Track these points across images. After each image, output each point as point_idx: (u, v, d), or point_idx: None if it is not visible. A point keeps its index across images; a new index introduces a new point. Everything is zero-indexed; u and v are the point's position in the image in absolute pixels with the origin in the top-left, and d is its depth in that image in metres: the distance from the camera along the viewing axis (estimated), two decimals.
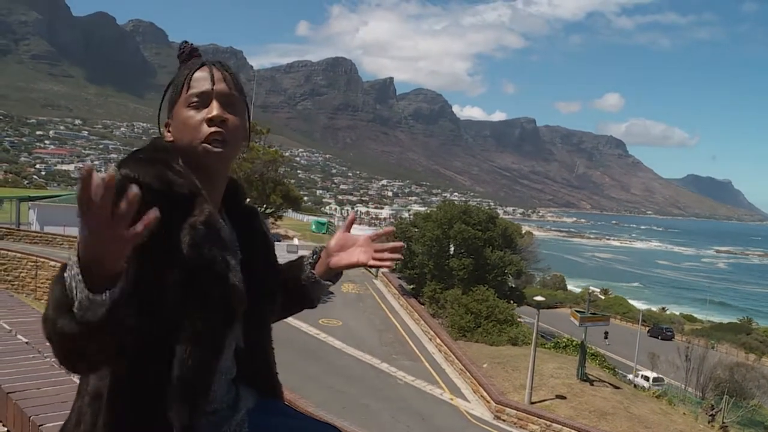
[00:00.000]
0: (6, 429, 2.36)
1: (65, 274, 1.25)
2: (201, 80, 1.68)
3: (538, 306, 29.72)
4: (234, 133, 1.68)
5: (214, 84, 1.67)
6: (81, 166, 1.17)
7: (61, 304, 1.25)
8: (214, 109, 1.65)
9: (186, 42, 1.82)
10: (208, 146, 1.64)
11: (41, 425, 2.08)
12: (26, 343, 3.01)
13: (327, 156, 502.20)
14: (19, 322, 3.45)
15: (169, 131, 1.71)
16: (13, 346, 3.08)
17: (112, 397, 1.48)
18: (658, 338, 58.31)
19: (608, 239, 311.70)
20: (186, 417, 1.49)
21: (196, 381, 1.51)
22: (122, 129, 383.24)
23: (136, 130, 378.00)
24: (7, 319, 3.51)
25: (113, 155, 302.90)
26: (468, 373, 28.09)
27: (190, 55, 1.78)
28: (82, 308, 1.24)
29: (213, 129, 1.64)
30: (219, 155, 1.65)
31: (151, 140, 1.73)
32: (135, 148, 1.69)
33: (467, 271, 39.42)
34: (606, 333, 45.98)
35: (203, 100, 1.66)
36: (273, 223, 52.60)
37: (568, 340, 37.68)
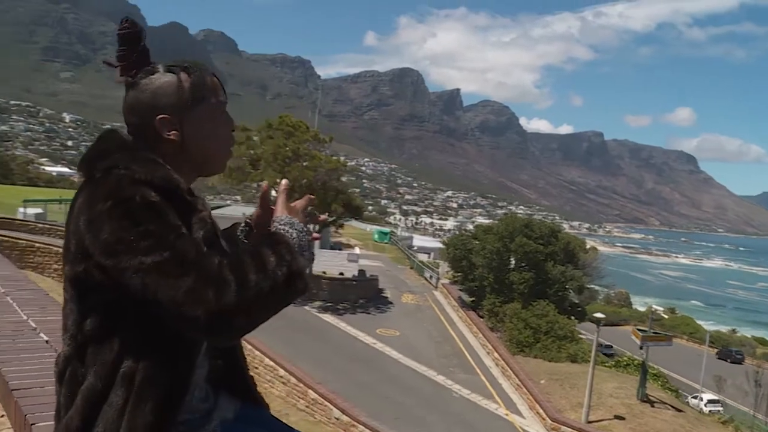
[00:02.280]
0: (10, 425, 2.44)
1: (292, 232, 1.55)
2: (221, 91, 1.75)
3: (598, 323, 29.19)
4: None
5: (227, 98, 1.75)
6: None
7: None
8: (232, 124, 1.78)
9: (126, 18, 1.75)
10: (229, 157, 1.77)
11: (33, 424, 2.13)
12: (46, 342, 3.08)
13: (392, 166, 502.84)
14: (47, 321, 3.53)
15: (175, 129, 1.66)
16: (33, 344, 3.18)
17: (147, 383, 1.47)
18: (727, 361, 56.48)
19: (676, 257, 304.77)
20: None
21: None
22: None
23: None
24: (35, 318, 3.61)
25: None
26: (525, 389, 27.76)
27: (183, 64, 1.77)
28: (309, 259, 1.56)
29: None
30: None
31: (107, 136, 1.69)
32: (99, 145, 1.65)
33: (527, 285, 39.02)
34: (641, 345, 44.85)
35: (225, 110, 1.75)
36: (335, 232, 52.94)
37: (629, 359, 36.94)
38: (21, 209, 38.46)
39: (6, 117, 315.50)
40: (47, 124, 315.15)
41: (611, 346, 48.70)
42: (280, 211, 1.62)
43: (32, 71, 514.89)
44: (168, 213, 1.45)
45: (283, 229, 1.56)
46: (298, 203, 1.66)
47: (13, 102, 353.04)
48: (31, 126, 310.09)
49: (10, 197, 45.28)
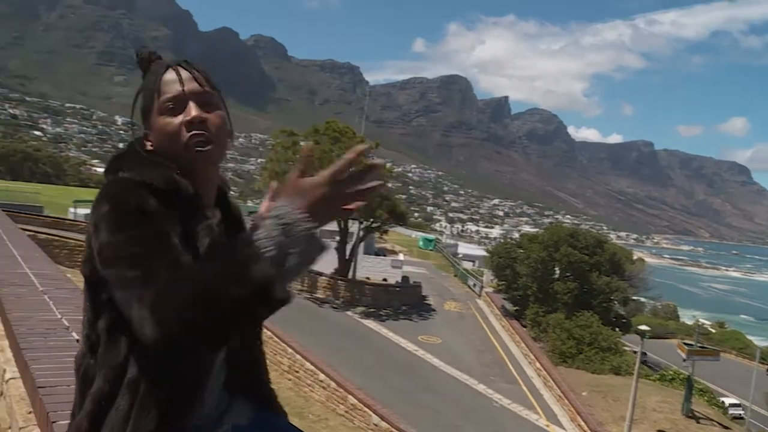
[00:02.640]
0: (36, 422, 2.53)
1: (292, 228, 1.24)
2: (171, 83, 1.61)
3: (642, 336, 28.81)
4: (217, 131, 1.62)
5: (184, 85, 1.61)
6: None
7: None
8: (192, 111, 1.59)
9: (143, 47, 1.75)
10: (193, 151, 1.58)
11: (54, 422, 2.21)
12: (77, 340, 3.17)
13: (439, 173, 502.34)
14: (80, 319, 3.63)
15: (148, 141, 1.64)
16: (64, 342, 3.26)
17: (152, 388, 1.46)
18: None
19: (727, 269, 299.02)
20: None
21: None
22: (240, 140, 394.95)
23: (252, 141, 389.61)
24: (69, 316, 3.72)
25: (230, 165, 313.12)
26: (566, 400, 27.49)
27: (149, 58, 1.72)
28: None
29: (194, 131, 1.58)
30: (207, 157, 1.60)
31: (131, 143, 1.68)
32: (118, 151, 1.67)
33: (572, 296, 38.67)
34: (684, 359, 44.05)
35: (178, 103, 1.60)
36: (379, 238, 53.10)
37: (674, 372, 36.34)
38: (72, 209, 39.35)
39: (61, 119, 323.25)
40: (100, 127, 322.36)
41: (645, 353, 47.96)
42: (283, 192, 1.32)
43: (88, 75, 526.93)
44: (161, 220, 1.43)
45: (263, 229, 1.26)
46: (320, 175, 1.30)
47: (68, 105, 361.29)
48: (85, 128, 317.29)
49: (62, 198, 46.40)
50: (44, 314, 3.77)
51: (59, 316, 3.74)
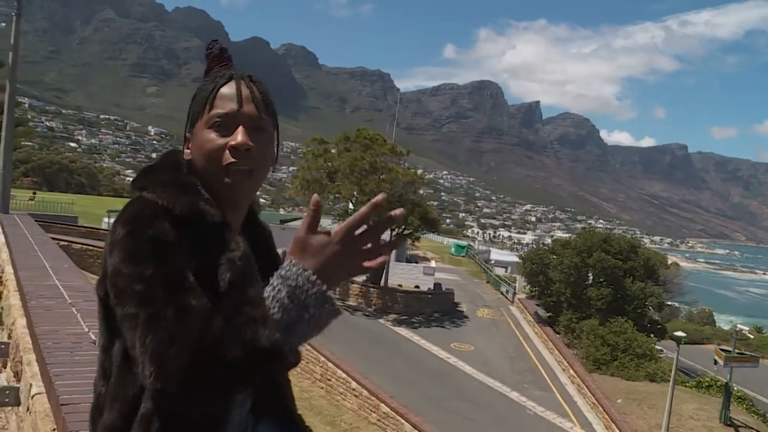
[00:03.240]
0: None
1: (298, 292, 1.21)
2: (227, 99, 1.50)
3: (679, 342, 28.36)
4: (261, 163, 1.52)
5: (241, 105, 1.50)
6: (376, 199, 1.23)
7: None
8: (239, 136, 1.47)
9: (215, 41, 1.65)
10: (230, 178, 1.48)
11: None
12: None
13: (471, 179, 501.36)
14: None
15: (188, 148, 1.56)
16: (90, 357, 3.25)
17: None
18: None
19: (764, 273, 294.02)
20: None
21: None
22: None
23: (284, 149, 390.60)
24: (96, 330, 3.71)
25: None
26: (601, 408, 27.16)
27: (219, 58, 1.62)
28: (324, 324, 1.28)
29: (235, 159, 1.47)
30: (242, 188, 1.51)
31: (167, 154, 1.62)
32: (149, 163, 1.59)
33: (605, 302, 38.25)
34: (715, 360, 43.31)
35: (227, 122, 1.49)
36: (411, 245, 52.99)
37: (711, 379, 35.74)
38: (105, 219, 39.78)
39: (96, 130, 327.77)
40: (133, 137, 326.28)
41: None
42: (290, 250, 1.27)
43: (121, 86, 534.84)
44: (177, 255, 1.33)
45: (269, 290, 1.25)
46: (334, 232, 1.24)
47: (102, 116, 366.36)
48: (119, 139, 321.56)
49: (96, 207, 46.90)
50: (71, 328, 3.79)
51: (86, 330, 3.76)
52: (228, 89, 1.51)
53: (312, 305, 1.22)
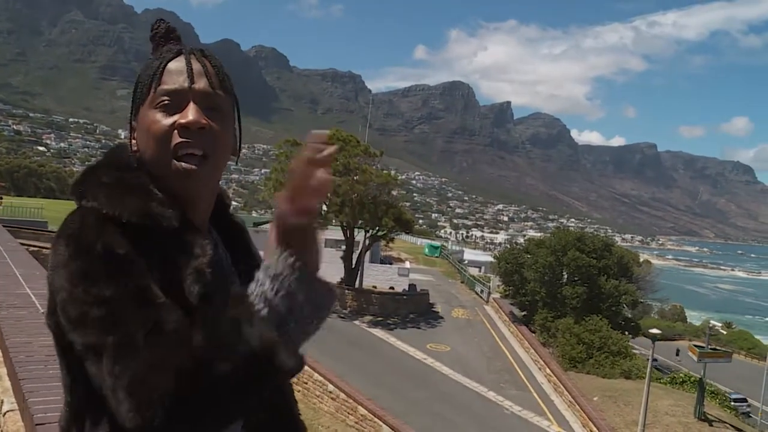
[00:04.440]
0: None
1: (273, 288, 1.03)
2: (175, 74, 1.29)
3: (654, 339, 28.54)
4: (216, 145, 1.28)
5: (193, 81, 1.28)
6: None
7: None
8: (190, 113, 1.25)
9: (161, 20, 1.44)
10: (181, 164, 1.25)
11: None
12: None
13: (443, 179, 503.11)
14: None
15: (134, 138, 1.32)
16: None
17: None
18: None
19: (733, 270, 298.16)
20: None
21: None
22: (244, 150, 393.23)
23: (256, 151, 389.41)
24: None
25: (234, 175, 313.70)
26: (577, 406, 27.22)
27: (166, 39, 1.40)
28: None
29: (185, 139, 1.25)
30: (196, 175, 1.26)
31: (112, 150, 1.37)
32: (91, 163, 1.33)
33: (580, 300, 38.38)
34: (678, 350, 43.87)
35: (176, 100, 1.27)
36: (385, 246, 52.87)
37: (685, 375, 36.04)
38: None
39: (65, 134, 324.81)
40: (104, 141, 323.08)
41: (656, 359, 47.75)
42: (270, 241, 1.07)
43: (90, 89, 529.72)
44: (135, 269, 1.11)
45: (254, 284, 1.06)
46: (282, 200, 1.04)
47: (72, 120, 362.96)
48: (89, 142, 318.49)
49: (66, 212, 46.13)
50: (45, 339, 3.57)
51: None
52: (176, 64, 1.30)
53: (299, 291, 1.04)
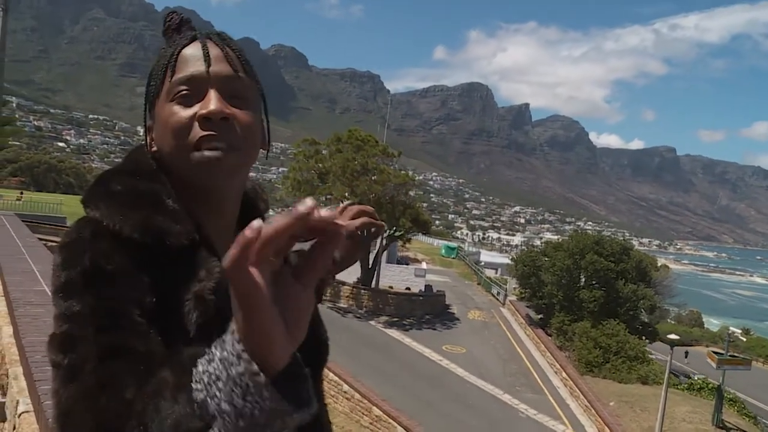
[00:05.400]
0: None
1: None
2: (191, 60, 1.15)
3: (672, 345, 28.27)
4: (243, 134, 1.13)
5: (209, 64, 1.14)
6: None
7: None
8: (212, 102, 1.10)
9: (173, 12, 1.30)
10: (204, 155, 1.10)
11: None
12: None
13: (460, 181, 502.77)
14: None
15: (152, 138, 1.20)
16: None
17: None
18: None
19: (751, 275, 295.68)
20: None
21: None
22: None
23: (274, 150, 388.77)
24: None
25: (251, 174, 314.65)
26: (593, 411, 27.02)
27: (179, 30, 1.25)
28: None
29: (209, 132, 1.10)
30: (220, 167, 1.10)
31: (130, 154, 1.24)
32: (108, 168, 1.22)
33: (598, 304, 38.16)
34: (686, 353, 43.42)
35: (195, 89, 1.13)
36: (402, 246, 52.82)
37: (703, 382, 35.73)
38: None
39: (84, 131, 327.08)
40: (123, 137, 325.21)
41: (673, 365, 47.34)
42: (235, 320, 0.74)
43: (111, 86, 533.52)
44: (117, 285, 0.99)
45: (204, 381, 0.73)
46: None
47: (91, 116, 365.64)
48: (108, 139, 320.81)
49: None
50: None
51: None
52: (191, 50, 1.17)
53: (252, 399, 0.69)
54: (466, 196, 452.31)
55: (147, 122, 1.22)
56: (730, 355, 32.01)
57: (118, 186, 1.13)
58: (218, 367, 0.71)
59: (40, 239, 13.56)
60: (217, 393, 0.70)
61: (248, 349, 0.68)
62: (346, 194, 39.71)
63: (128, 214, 1.07)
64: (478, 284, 57.44)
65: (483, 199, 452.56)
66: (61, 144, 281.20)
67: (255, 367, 0.68)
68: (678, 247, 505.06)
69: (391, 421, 22.31)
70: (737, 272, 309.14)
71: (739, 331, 47.38)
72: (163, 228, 1.07)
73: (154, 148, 1.19)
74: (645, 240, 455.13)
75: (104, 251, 1.02)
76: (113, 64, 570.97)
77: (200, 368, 0.73)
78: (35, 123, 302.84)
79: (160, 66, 1.19)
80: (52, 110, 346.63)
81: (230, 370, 0.69)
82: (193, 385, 0.74)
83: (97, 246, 1.02)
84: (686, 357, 44.12)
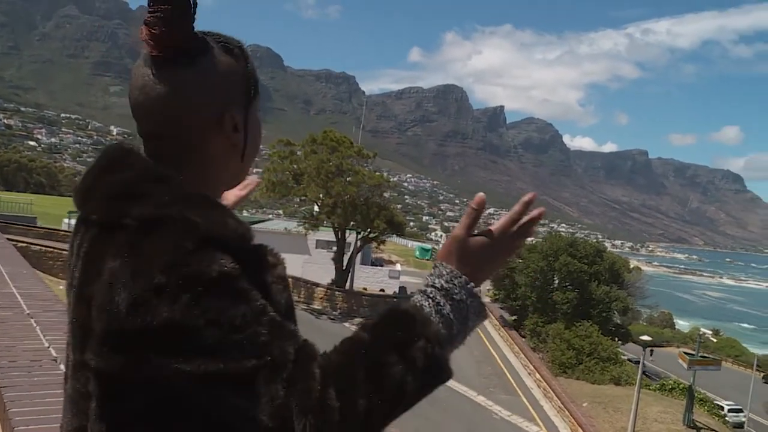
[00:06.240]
0: None
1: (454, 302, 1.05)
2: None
3: (645, 346, 28.57)
4: None
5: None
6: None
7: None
8: None
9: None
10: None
11: None
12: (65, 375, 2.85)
13: (435, 182, 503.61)
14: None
15: (237, 131, 1.17)
16: (50, 378, 2.83)
17: None
18: None
19: (721, 277, 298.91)
20: None
21: None
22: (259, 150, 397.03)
23: None
24: (57, 344, 3.28)
25: None
26: (567, 412, 27.15)
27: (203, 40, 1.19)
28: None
29: None
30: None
31: (127, 153, 1.16)
32: (102, 164, 1.14)
33: (571, 306, 38.39)
34: (651, 350, 43.89)
35: None
36: (376, 248, 52.75)
37: (674, 382, 36.07)
38: (66, 220, 39.02)
39: (56, 130, 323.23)
40: (95, 137, 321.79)
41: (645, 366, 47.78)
42: (444, 255, 1.10)
43: (83, 85, 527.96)
44: (252, 290, 0.98)
45: (429, 303, 1.04)
46: (490, 232, 1.12)
47: (63, 115, 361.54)
48: (80, 138, 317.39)
49: (56, 208, 45.94)
50: (30, 343, 3.39)
51: (46, 345, 3.38)
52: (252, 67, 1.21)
53: (471, 318, 1.07)
54: (441, 197, 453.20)
55: (236, 115, 1.16)
56: (700, 356, 32.33)
57: (174, 191, 1.06)
58: (456, 308, 1.05)
59: (10, 240, 13.33)
60: (456, 324, 1.05)
61: (476, 286, 1.08)
62: (321, 195, 39.59)
63: (222, 219, 1.05)
64: None
65: (457, 201, 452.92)
66: (32, 143, 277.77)
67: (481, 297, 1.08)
68: (650, 249, 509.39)
69: None
70: (707, 274, 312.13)
71: (710, 332, 47.75)
72: (249, 229, 1.09)
73: (245, 150, 1.20)
74: (618, 242, 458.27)
75: (223, 261, 0.98)
76: (86, 62, 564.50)
77: (434, 315, 1.04)
78: (5, 121, 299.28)
79: (251, 71, 1.19)
80: (23, 108, 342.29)
81: (469, 305, 1.07)
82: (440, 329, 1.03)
83: (213, 256, 0.97)
84: (651, 354, 44.53)
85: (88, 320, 1.02)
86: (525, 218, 1.13)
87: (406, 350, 0.98)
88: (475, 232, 1.12)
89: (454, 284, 1.06)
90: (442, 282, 1.07)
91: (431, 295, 1.05)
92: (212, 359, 0.92)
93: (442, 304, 1.05)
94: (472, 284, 1.07)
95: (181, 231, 0.98)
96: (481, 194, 1.11)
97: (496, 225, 1.12)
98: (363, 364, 0.97)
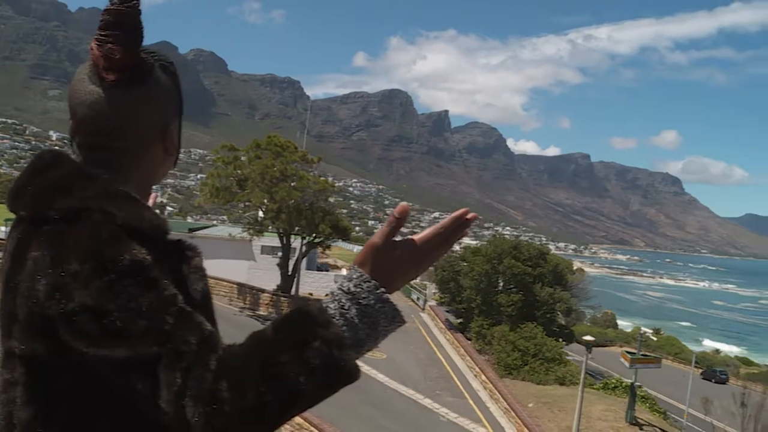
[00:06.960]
0: None
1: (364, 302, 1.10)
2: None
3: (588, 346, 28.98)
4: None
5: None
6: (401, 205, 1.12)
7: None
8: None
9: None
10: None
11: None
12: None
13: (380, 187, 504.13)
14: None
15: (165, 149, 1.35)
16: None
17: None
18: (711, 381, 56.17)
19: (661, 278, 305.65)
20: None
21: None
22: (180, 155, 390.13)
23: (192, 156, 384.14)
24: None
25: (170, 180, 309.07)
26: (513, 413, 27.42)
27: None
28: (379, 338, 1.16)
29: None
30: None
31: (58, 157, 1.28)
32: (33, 168, 1.23)
33: (516, 308, 38.80)
34: (590, 350, 44.89)
35: None
36: (322, 253, 52.63)
37: (617, 381, 36.73)
38: (2, 228, 38.04)
39: None
40: (33, 142, 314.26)
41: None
42: (359, 260, 1.15)
43: (20, 88, 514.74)
44: (163, 279, 1.04)
45: (334, 306, 1.09)
46: (417, 245, 1.19)
47: None
48: (17, 144, 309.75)
49: None
50: None
51: None
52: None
53: (382, 323, 1.12)
54: (386, 202, 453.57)
55: (168, 127, 1.34)
56: (642, 355, 32.96)
57: (98, 187, 1.14)
58: (362, 312, 1.10)
59: None
60: (362, 328, 1.10)
61: (388, 292, 1.13)
62: (265, 200, 39.35)
63: (139, 212, 1.13)
64: (398, 290, 57.60)
65: None
66: None
67: (394, 304, 1.12)
68: (593, 251, 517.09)
69: (312, 429, 22.15)
70: (648, 274, 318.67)
71: (650, 331, 48.87)
72: (165, 221, 1.19)
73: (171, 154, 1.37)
74: (561, 244, 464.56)
75: (136, 249, 1.05)
76: (23, 65, 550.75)
77: (338, 317, 1.08)
78: None
79: (168, 93, 1.35)
80: None
81: (379, 311, 1.12)
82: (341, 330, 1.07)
83: (127, 244, 1.05)
84: (589, 352, 45.27)
85: (13, 308, 1.07)
86: (451, 232, 1.18)
87: (301, 350, 1.01)
88: (398, 239, 1.15)
89: (362, 288, 1.09)
90: (350, 285, 1.10)
91: (337, 298, 1.09)
92: (121, 344, 0.98)
93: (347, 307, 1.08)
94: (383, 290, 1.10)
95: (98, 221, 1.05)
96: (404, 204, 1.14)
97: (420, 234, 1.16)
98: (258, 360, 0.99)
